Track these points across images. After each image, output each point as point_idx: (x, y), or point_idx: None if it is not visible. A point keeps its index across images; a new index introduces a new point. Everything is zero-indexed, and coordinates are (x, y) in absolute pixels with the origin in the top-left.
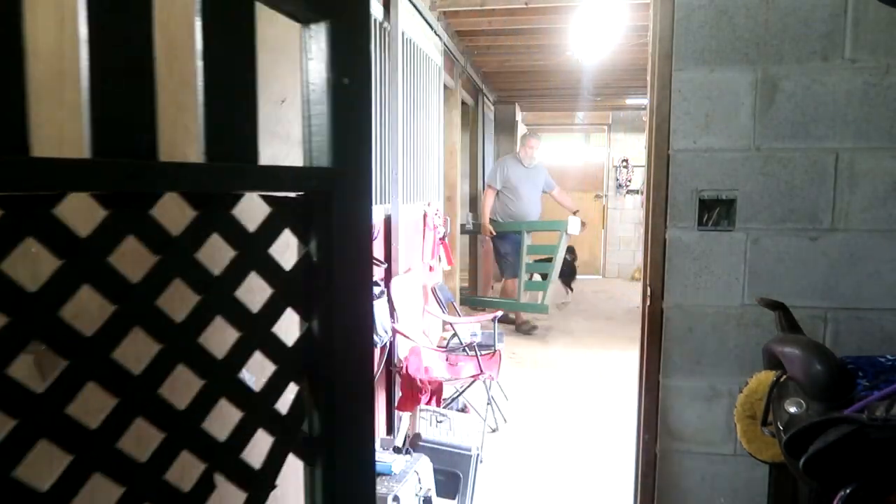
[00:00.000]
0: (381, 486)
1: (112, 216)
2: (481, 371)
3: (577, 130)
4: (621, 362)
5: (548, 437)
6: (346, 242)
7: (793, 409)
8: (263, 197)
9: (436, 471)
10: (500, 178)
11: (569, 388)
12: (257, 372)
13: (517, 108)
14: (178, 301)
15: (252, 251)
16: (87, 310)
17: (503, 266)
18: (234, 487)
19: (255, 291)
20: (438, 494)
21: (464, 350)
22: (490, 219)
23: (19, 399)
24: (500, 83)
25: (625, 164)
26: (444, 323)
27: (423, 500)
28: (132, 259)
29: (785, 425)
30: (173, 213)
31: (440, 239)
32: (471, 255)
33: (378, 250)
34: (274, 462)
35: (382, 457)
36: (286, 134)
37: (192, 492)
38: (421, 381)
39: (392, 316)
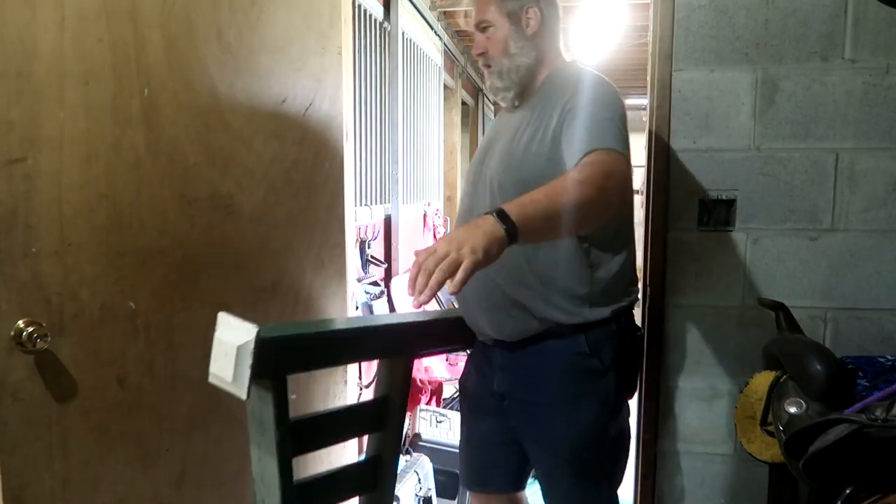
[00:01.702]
0: None
1: None
2: None
3: None
4: None
5: None
6: None
7: (793, 409)
8: None
9: (436, 471)
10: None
11: None
12: None
13: None
14: None
15: None
16: (88, 308)
17: None
18: None
19: None
20: (438, 494)
21: (464, 350)
22: None
23: None
24: None
25: None
26: None
27: (423, 500)
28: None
29: (785, 425)
30: (174, 212)
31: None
32: None
33: (378, 250)
34: None
35: None
36: (286, 134)
37: None
38: (421, 381)
39: None
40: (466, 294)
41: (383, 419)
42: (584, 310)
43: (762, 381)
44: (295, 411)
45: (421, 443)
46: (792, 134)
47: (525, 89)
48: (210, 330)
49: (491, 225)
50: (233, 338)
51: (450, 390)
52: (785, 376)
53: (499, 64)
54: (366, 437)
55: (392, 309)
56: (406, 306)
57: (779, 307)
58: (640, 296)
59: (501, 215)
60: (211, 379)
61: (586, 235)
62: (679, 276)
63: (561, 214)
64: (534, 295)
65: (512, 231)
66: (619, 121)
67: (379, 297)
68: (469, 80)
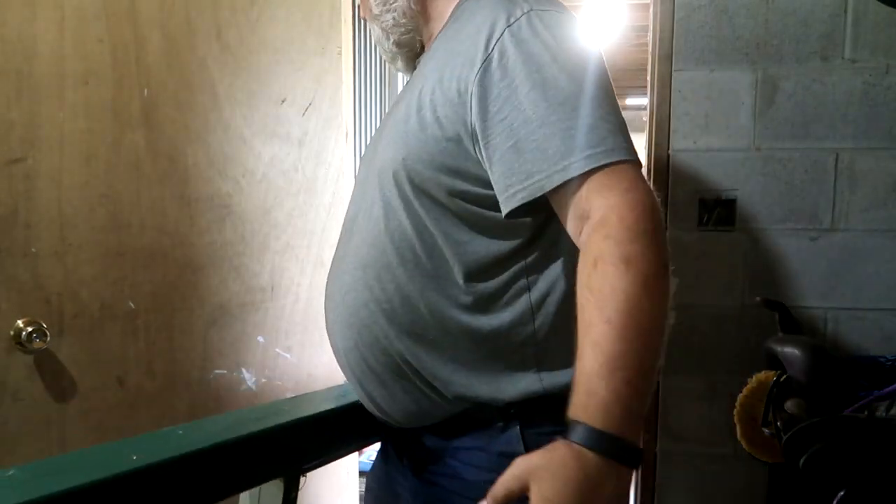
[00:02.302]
0: None
1: None
2: None
3: None
4: None
5: None
6: None
7: (793, 410)
8: None
9: None
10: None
11: None
12: (257, 373)
13: None
14: None
15: None
16: (88, 308)
17: None
18: None
19: None
20: None
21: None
22: None
23: None
24: None
25: None
26: None
27: None
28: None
29: (785, 425)
30: (174, 212)
31: None
32: None
33: None
34: None
35: None
36: (286, 134)
37: None
38: None
39: None
40: (338, 347)
41: None
42: (526, 376)
43: (762, 380)
44: None
45: None
46: (792, 134)
47: (414, 45)
48: (210, 329)
49: (594, 474)
50: None
51: None
52: (785, 376)
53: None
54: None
55: None
56: None
57: (779, 307)
58: None
59: (597, 439)
60: None
61: (511, 230)
62: (679, 276)
63: (652, 363)
64: (434, 349)
65: (628, 455)
66: (603, 97)
67: None
68: None
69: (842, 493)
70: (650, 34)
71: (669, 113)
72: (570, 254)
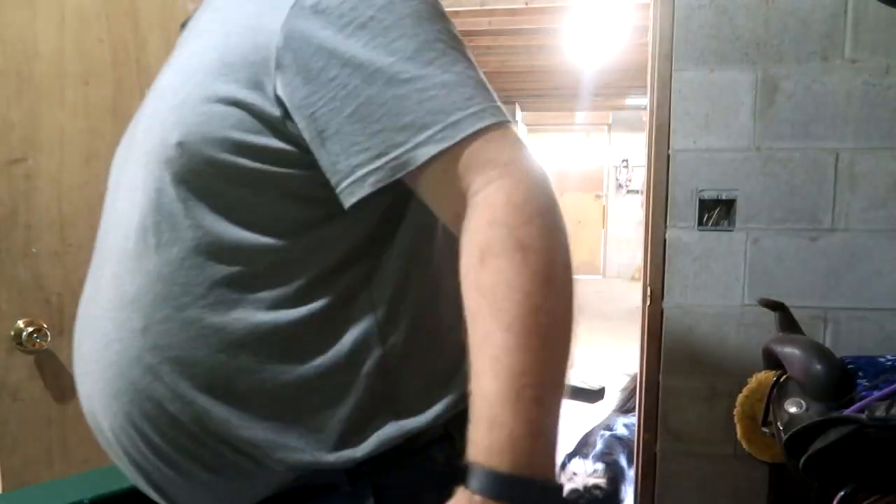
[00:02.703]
0: None
1: None
2: None
3: (577, 130)
4: (621, 362)
5: None
6: None
7: (793, 409)
8: None
9: None
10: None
11: None
12: None
13: (517, 108)
14: None
15: None
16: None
17: None
18: None
19: None
20: None
21: None
22: None
23: None
24: (500, 83)
25: (625, 164)
26: None
27: None
28: None
29: (785, 425)
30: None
31: None
32: None
33: None
34: None
35: None
36: None
37: None
38: None
39: None
40: (102, 426)
41: None
42: (377, 420)
43: (762, 381)
44: None
45: None
46: (792, 134)
47: None
48: None
49: None
50: None
51: None
52: (785, 376)
53: None
54: None
55: None
56: None
57: (779, 307)
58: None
59: (507, 485)
60: None
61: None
62: (679, 276)
63: (563, 374)
64: (249, 404)
65: (545, 497)
66: (460, 47)
67: None
68: None
69: (842, 493)
70: (650, 34)
71: (669, 113)
72: (431, 247)
